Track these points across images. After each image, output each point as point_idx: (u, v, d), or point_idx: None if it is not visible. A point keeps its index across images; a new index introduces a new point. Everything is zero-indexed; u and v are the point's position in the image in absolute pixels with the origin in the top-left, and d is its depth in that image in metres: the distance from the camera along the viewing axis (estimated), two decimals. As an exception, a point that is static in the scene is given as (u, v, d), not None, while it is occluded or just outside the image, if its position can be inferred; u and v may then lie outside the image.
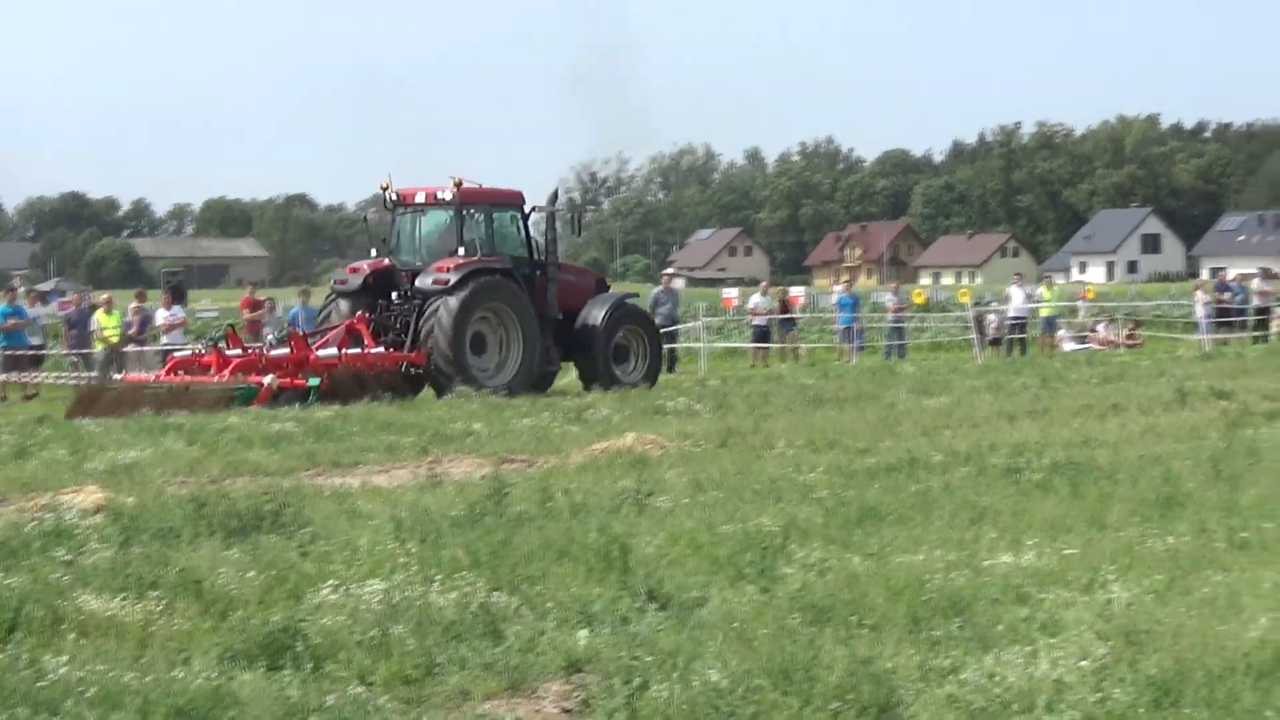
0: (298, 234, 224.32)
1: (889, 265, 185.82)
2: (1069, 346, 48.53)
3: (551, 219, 32.12)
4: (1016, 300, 48.10)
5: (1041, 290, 52.92)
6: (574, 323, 31.45)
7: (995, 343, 47.52)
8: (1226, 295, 53.10)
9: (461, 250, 29.92)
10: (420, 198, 31.01)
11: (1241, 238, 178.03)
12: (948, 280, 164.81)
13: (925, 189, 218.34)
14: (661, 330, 35.17)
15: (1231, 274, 62.28)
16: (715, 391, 27.35)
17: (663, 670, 8.49)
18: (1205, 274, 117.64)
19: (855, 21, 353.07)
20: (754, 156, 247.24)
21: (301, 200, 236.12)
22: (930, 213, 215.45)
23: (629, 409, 24.43)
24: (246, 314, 39.68)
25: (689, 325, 46.62)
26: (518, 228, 31.88)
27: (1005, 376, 29.88)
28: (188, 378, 28.14)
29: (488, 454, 18.68)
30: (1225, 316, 51.67)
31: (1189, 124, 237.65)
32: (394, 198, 31.06)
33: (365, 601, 9.98)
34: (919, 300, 62.69)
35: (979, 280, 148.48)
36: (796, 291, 65.08)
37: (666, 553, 11.59)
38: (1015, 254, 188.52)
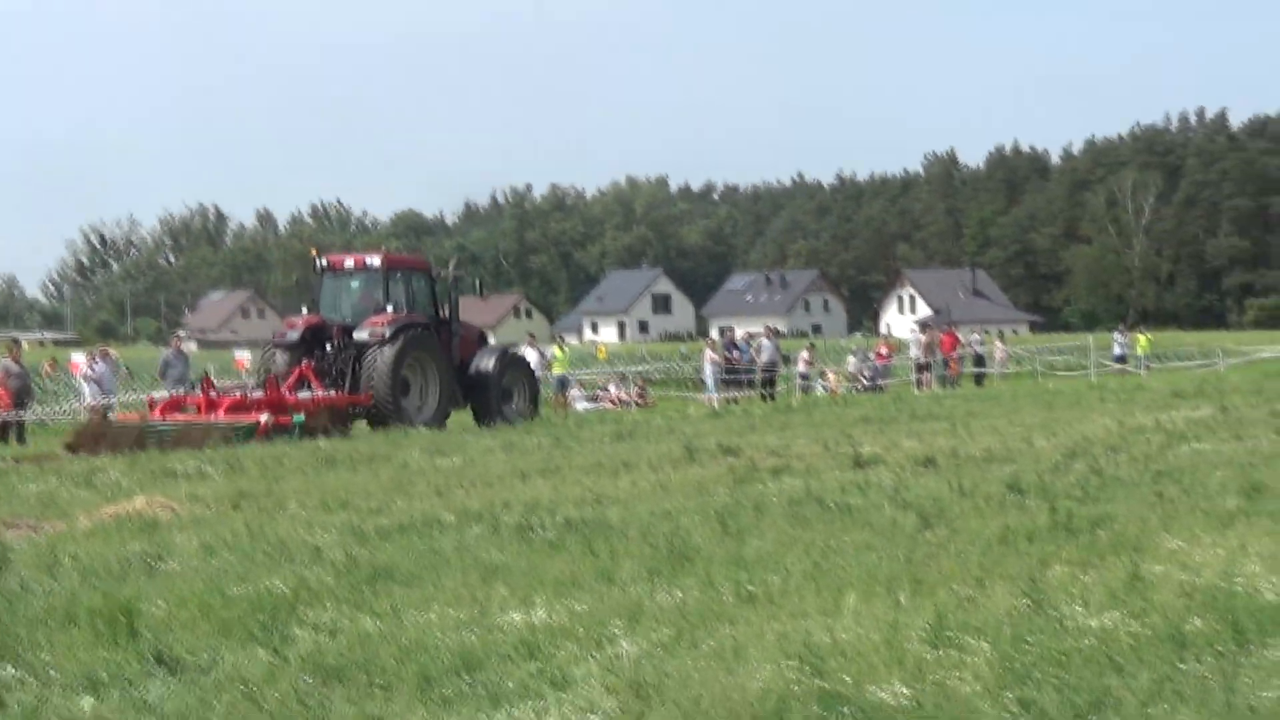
0: None
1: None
2: (581, 406, 49.33)
3: (455, 282, 37.90)
4: (531, 360, 48.54)
5: (554, 350, 53.72)
6: (468, 369, 37.03)
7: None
8: (735, 354, 54.67)
9: (390, 308, 35.63)
10: (349, 264, 37.00)
11: (749, 297, 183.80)
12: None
13: (438, 250, 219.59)
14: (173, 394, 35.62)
15: (740, 333, 64.08)
16: (227, 454, 26.89)
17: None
18: (714, 333, 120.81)
19: (348, 85, 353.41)
20: (265, 218, 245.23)
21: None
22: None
23: (139, 472, 23.84)
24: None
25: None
26: (429, 290, 37.31)
27: (518, 436, 30.10)
28: (182, 417, 32.57)
29: (-12, 520, 17.98)
30: (733, 374, 53.18)
31: (697, 185, 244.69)
32: (324, 263, 36.85)
33: None
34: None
35: (492, 341, 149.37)
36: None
37: (176, 616, 11.34)
38: (529, 314, 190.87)
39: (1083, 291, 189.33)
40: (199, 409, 32.87)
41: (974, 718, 8.11)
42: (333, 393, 34.45)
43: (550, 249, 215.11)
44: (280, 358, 35.43)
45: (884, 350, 62.80)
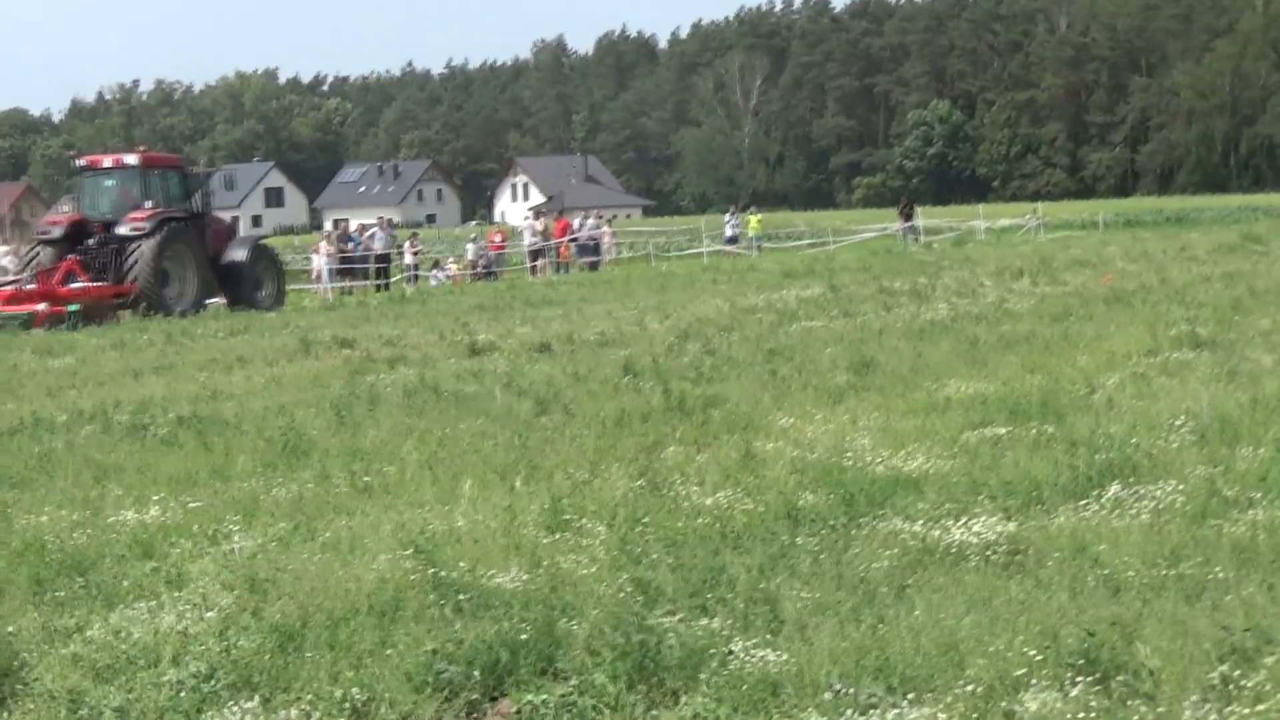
0: None
1: (13, 226, 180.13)
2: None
3: (206, 178, 40.90)
4: None
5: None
6: (220, 260, 39.01)
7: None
8: (349, 246, 54.29)
9: (149, 204, 37.59)
10: (107, 163, 39.15)
11: (362, 189, 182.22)
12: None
13: (45, 149, 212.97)
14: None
15: (353, 225, 63.55)
16: None
17: None
18: (328, 225, 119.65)
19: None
20: None
21: None
22: (52, 173, 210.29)
23: None
24: None
25: None
26: (183, 186, 39.33)
27: (131, 334, 29.47)
28: None
29: None
30: (348, 265, 52.85)
31: (307, 78, 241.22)
32: (82, 164, 39.55)
33: None
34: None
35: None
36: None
37: None
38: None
39: (694, 174, 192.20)
40: None
41: (590, 600, 8.21)
42: (100, 284, 36.37)
43: (159, 144, 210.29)
44: (45, 253, 37.40)
45: (498, 238, 62.92)
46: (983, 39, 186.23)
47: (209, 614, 8.33)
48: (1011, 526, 9.29)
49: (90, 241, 37.24)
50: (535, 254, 57.89)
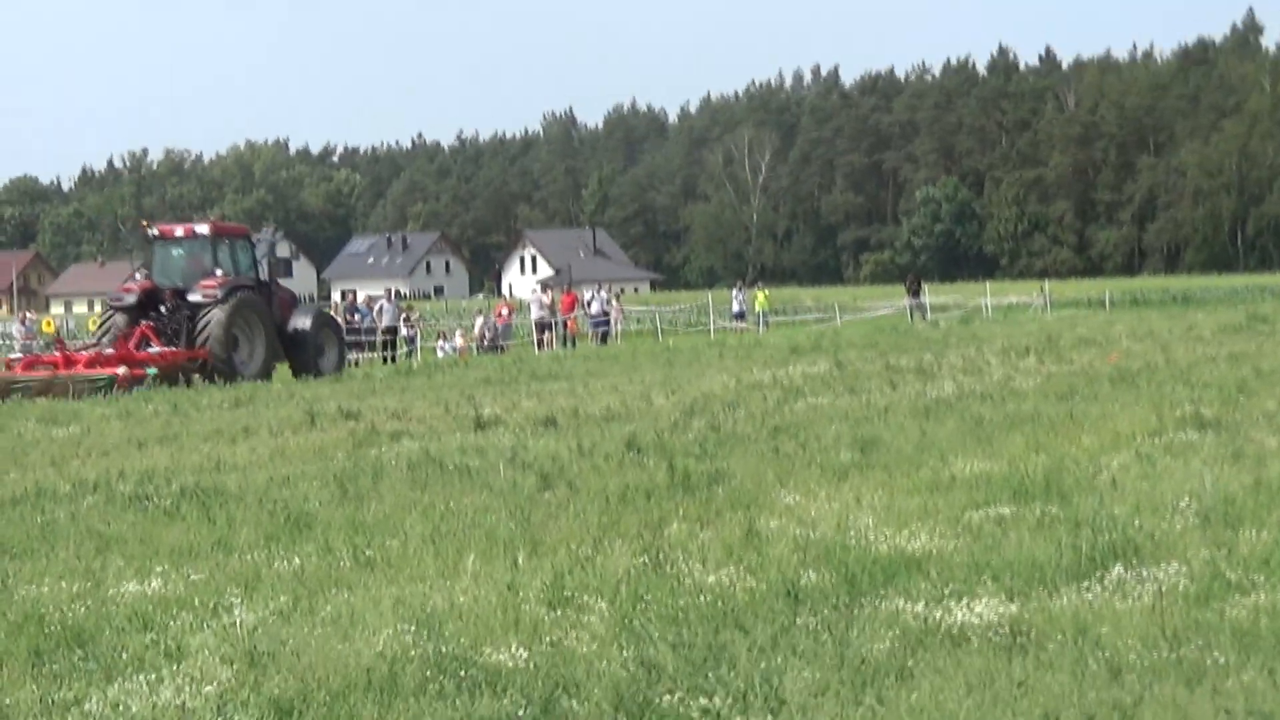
0: None
1: (20, 295, 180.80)
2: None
3: (272, 248, 43.54)
4: None
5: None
6: (286, 328, 40.43)
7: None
8: (356, 318, 54.34)
9: (219, 272, 39.12)
10: (179, 232, 40.70)
11: (370, 260, 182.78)
12: (80, 309, 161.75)
13: (54, 216, 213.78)
14: None
15: (361, 296, 63.63)
16: None
17: None
18: (336, 296, 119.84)
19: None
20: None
21: None
22: (60, 240, 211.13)
23: None
24: None
25: None
26: (251, 255, 40.97)
27: (136, 404, 29.49)
28: (46, 372, 36.00)
29: None
30: (355, 337, 52.86)
31: (316, 148, 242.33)
32: (155, 233, 40.75)
33: None
34: (49, 329, 61.41)
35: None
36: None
37: None
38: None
39: (702, 249, 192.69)
40: (56, 365, 36.60)
41: (590, 677, 8.19)
42: (174, 349, 37.98)
43: (169, 214, 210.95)
44: (119, 318, 38.99)
45: (504, 311, 63.01)
46: (991, 116, 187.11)
47: (207, 688, 8.30)
48: (1014, 608, 9.26)
49: (162, 308, 39.01)
50: (542, 327, 57.97)
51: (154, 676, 8.62)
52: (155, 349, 37.53)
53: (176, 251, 40.37)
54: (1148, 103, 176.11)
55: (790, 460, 16.15)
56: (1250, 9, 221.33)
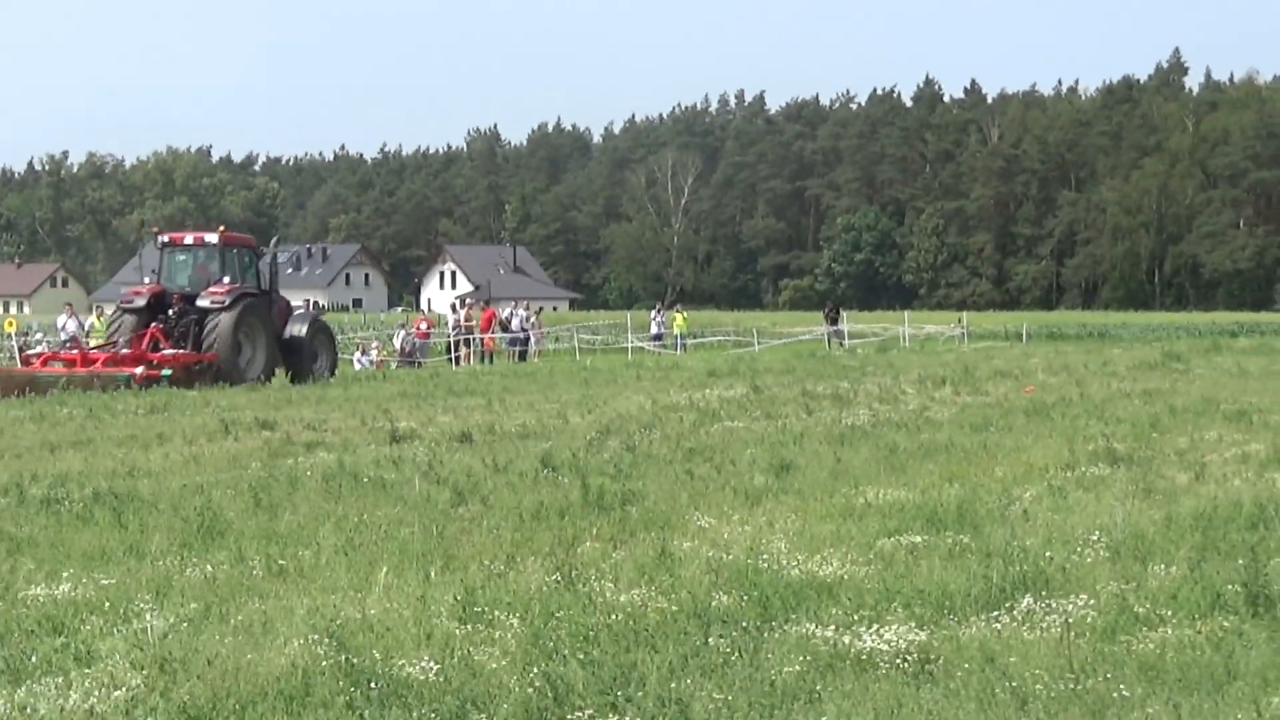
0: None
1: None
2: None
3: (274, 258, 43.18)
4: (71, 329, 49.29)
5: (93, 320, 52.69)
6: (283, 334, 41.52)
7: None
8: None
9: (226, 279, 40.23)
10: (189, 240, 41.87)
11: (290, 270, 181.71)
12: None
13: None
14: None
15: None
16: None
17: None
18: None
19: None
20: None
21: None
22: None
23: None
24: None
25: None
26: (254, 264, 42.02)
27: (50, 407, 29.26)
28: (63, 369, 37.60)
29: None
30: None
31: (239, 156, 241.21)
32: (164, 240, 41.91)
33: None
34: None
35: (28, 310, 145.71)
36: None
37: None
38: (65, 284, 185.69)
39: (622, 269, 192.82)
40: (74, 363, 38.15)
41: (500, 693, 8.21)
42: (184, 352, 38.96)
43: (88, 217, 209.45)
44: (128, 320, 40.05)
45: (423, 325, 62.86)
46: (914, 147, 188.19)
47: (116, 693, 8.27)
48: (923, 635, 9.34)
49: (170, 312, 40.00)
50: (459, 342, 57.87)
51: (63, 680, 8.59)
52: (168, 350, 38.78)
53: (185, 258, 41.57)
54: (1070, 138, 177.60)
55: (705, 483, 16.21)
56: (1176, 49, 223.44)
